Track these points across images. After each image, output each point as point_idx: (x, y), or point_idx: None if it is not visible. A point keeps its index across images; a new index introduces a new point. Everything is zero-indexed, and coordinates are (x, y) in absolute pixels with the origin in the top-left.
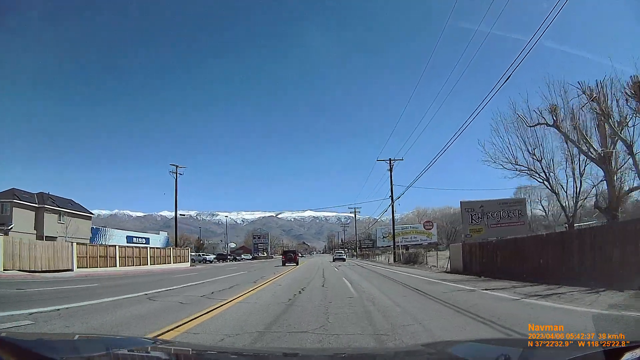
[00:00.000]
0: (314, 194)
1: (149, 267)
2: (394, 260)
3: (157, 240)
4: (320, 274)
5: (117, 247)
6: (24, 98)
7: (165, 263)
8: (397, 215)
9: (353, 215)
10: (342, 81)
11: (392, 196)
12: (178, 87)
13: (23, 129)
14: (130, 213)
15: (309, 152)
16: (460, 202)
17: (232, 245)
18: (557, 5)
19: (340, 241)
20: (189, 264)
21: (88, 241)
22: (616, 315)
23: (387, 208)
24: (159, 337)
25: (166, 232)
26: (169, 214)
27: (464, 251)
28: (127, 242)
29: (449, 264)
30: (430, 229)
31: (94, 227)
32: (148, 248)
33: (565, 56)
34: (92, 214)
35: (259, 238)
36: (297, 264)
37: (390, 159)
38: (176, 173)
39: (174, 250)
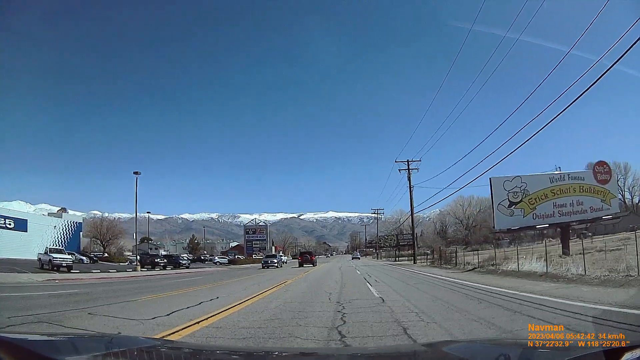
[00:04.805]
0: (337, 194)
1: None
2: None
3: (49, 225)
4: None
5: None
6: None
7: None
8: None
9: (374, 215)
10: (360, 79)
11: None
12: (196, 90)
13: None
14: (151, 216)
15: (331, 152)
16: None
17: (235, 244)
18: None
19: (364, 239)
20: None
21: None
22: None
23: None
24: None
25: (82, 215)
26: (189, 216)
27: None
28: None
29: None
30: (607, 182)
31: None
32: None
33: None
34: None
35: (253, 233)
36: (315, 265)
37: None
38: None
39: None
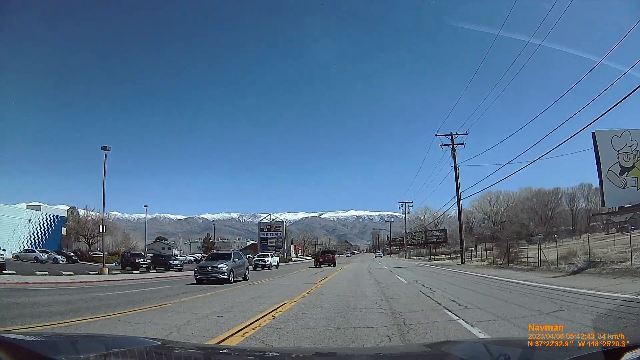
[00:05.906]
0: (358, 193)
1: None
2: None
3: (23, 219)
4: None
5: None
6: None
7: None
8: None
9: (396, 214)
10: (376, 76)
11: None
12: (203, 89)
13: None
14: (171, 216)
15: (352, 151)
16: None
17: (251, 242)
18: None
19: (387, 237)
20: None
21: None
22: None
23: None
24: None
25: (66, 207)
26: (210, 216)
27: None
28: None
29: None
30: None
31: None
32: None
33: None
34: None
35: (268, 230)
36: (335, 265)
37: None
38: None
39: None
